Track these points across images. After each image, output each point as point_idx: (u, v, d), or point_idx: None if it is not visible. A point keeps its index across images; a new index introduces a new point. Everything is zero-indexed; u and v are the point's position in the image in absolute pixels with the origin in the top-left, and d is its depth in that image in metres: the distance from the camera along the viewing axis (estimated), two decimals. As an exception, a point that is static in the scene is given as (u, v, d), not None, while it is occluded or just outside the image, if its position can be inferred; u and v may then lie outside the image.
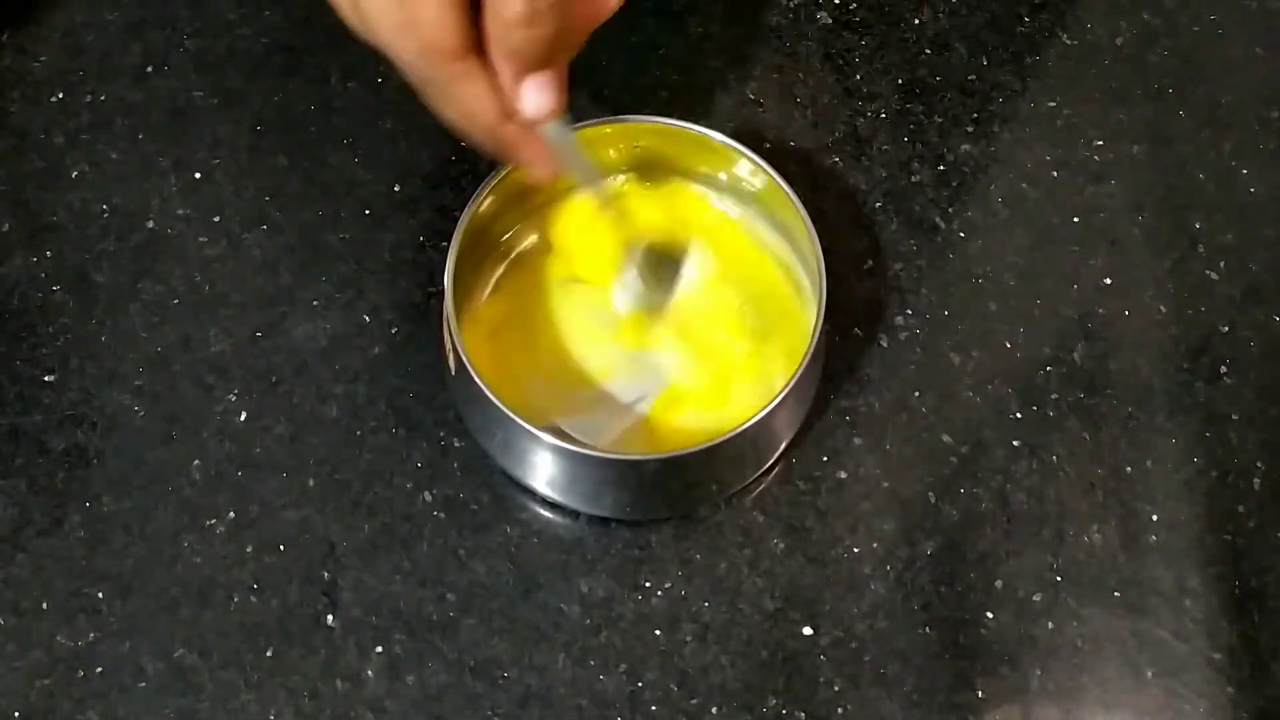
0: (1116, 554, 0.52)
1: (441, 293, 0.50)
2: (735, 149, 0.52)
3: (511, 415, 0.47)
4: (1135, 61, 0.62)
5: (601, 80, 0.60)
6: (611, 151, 0.54)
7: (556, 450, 0.48)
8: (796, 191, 0.50)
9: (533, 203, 0.55)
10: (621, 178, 0.55)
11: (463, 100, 0.39)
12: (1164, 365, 0.56)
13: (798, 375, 0.48)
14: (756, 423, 0.47)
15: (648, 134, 0.53)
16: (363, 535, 0.51)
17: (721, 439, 0.47)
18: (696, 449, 0.48)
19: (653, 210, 0.55)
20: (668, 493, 0.51)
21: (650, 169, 0.56)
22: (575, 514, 0.52)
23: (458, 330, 0.49)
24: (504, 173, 0.51)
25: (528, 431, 0.47)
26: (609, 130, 0.53)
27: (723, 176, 0.54)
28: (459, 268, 0.50)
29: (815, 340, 0.49)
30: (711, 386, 0.52)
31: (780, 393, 0.48)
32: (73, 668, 0.48)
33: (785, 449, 0.53)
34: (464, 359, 0.48)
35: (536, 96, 0.40)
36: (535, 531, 0.51)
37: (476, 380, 0.48)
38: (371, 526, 0.51)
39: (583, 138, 0.51)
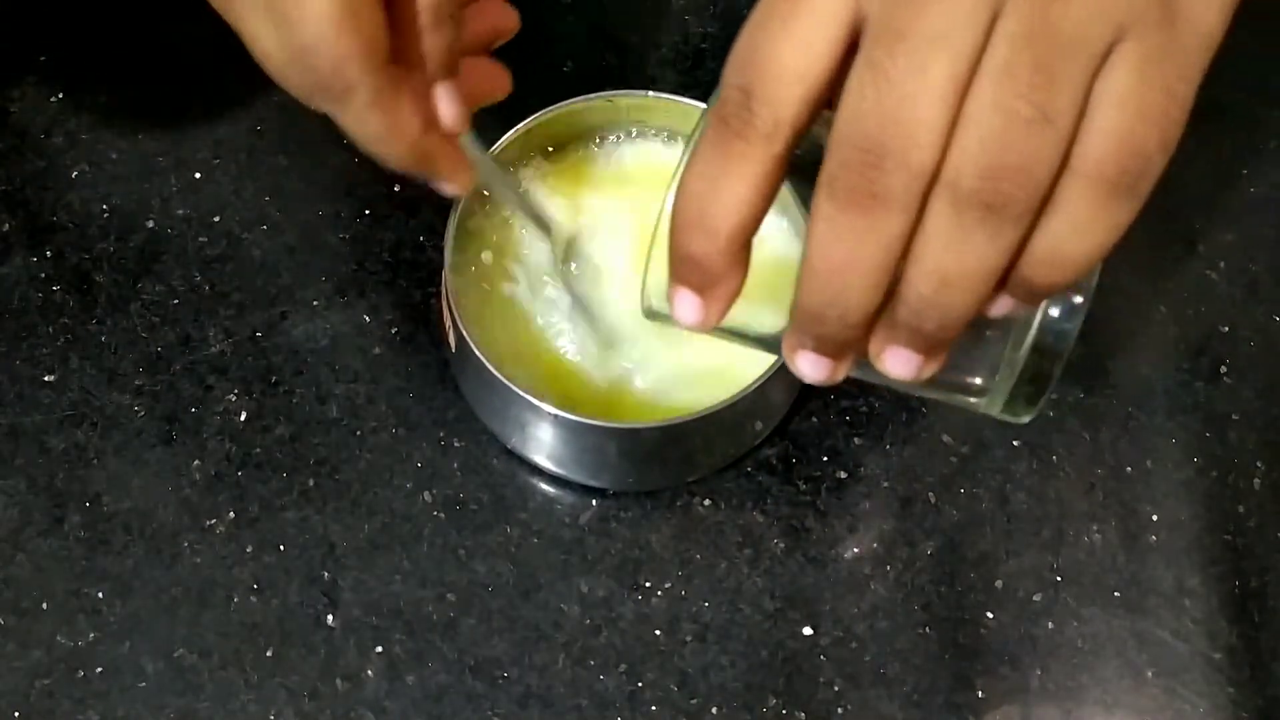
0: (1116, 554, 0.52)
1: (441, 291, 0.50)
2: None
3: (511, 386, 0.47)
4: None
5: (601, 79, 0.60)
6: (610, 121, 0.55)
7: (557, 420, 0.48)
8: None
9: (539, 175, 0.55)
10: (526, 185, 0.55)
11: (390, 110, 0.39)
12: (1164, 365, 0.56)
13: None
14: (755, 390, 0.48)
15: (645, 108, 0.54)
16: (363, 535, 0.51)
17: (720, 406, 0.48)
18: (695, 417, 0.48)
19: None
20: (668, 462, 0.51)
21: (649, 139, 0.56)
22: (575, 514, 0.52)
23: (458, 306, 0.49)
24: (515, 135, 0.51)
25: (529, 403, 0.48)
26: (607, 104, 0.54)
27: None
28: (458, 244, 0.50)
29: None
30: (715, 360, 0.52)
31: (777, 360, 0.48)
32: (73, 668, 0.48)
33: (785, 436, 0.53)
34: (464, 334, 0.48)
35: (451, 105, 0.41)
36: (535, 531, 0.51)
37: (477, 354, 0.48)
38: (371, 526, 0.51)
39: (577, 111, 0.53)
